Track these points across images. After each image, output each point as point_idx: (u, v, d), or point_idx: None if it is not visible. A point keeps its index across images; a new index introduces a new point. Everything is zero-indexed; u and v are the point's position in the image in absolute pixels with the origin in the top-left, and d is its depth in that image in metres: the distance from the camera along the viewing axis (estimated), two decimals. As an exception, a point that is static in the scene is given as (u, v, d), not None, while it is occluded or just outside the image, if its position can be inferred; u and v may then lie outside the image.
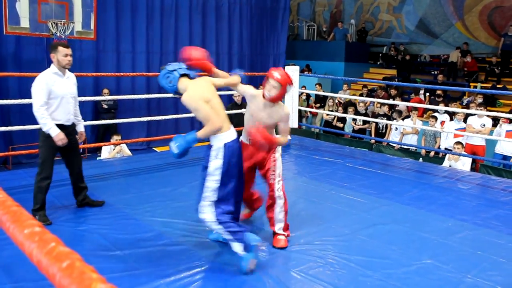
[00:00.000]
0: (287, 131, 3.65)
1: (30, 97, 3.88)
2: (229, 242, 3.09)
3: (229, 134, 3.13)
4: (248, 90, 3.56)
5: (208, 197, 3.08)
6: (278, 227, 3.56)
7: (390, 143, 8.62)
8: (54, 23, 8.09)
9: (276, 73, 3.39)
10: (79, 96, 4.30)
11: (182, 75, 3.22)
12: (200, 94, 3.08)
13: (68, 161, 4.13)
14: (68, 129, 3.97)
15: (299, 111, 8.26)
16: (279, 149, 3.69)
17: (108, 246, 3.43)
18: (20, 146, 8.08)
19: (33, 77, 3.89)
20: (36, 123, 3.92)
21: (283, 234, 3.57)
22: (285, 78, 3.39)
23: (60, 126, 3.87)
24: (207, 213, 3.07)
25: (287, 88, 3.44)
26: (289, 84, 3.44)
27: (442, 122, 8.20)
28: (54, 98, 3.82)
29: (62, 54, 3.84)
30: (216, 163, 3.08)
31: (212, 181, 3.08)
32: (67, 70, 3.96)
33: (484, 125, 7.62)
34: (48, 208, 4.00)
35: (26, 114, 8.40)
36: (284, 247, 3.51)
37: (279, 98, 3.45)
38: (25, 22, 8.02)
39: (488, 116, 7.70)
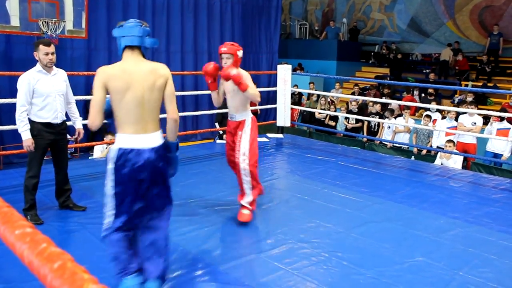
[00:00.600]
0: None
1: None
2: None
3: (130, 138, 2.54)
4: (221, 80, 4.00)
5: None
6: (245, 200, 3.92)
7: (382, 142, 8.65)
8: (45, 22, 8.03)
9: (223, 48, 3.88)
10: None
11: (130, 48, 2.65)
12: (107, 73, 2.55)
13: (56, 160, 4.09)
14: (56, 128, 3.94)
15: (307, 113, 8.25)
16: (246, 129, 3.93)
17: (101, 246, 3.42)
18: (11, 146, 8.02)
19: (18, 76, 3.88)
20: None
21: (248, 208, 3.93)
22: (231, 47, 3.88)
23: (47, 124, 3.86)
24: None
25: (238, 54, 3.88)
26: (238, 51, 3.88)
27: (434, 121, 8.24)
28: (39, 97, 3.79)
29: (43, 53, 3.79)
30: (108, 169, 2.55)
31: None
32: (54, 67, 3.92)
33: (475, 123, 7.67)
34: (40, 207, 3.98)
35: (17, 113, 8.37)
36: (248, 221, 3.90)
37: (236, 65, 3.87)
38: (15, 21, 7.95)
39: (479, 114, 7.76)
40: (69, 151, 9.47)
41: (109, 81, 2.50)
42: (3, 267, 3.04)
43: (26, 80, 3.76)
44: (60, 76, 4.01)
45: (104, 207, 2.61)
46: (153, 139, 2.57)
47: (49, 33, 8.07)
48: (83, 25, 8.80)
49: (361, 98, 10.26)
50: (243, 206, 3.95)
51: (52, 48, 3.85)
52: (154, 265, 2.63)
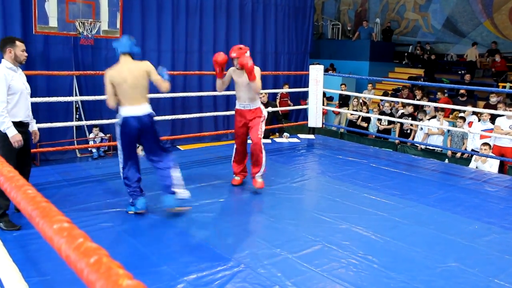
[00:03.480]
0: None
1: (57, 95, 3.94)
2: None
3: (129, 109, 3.86)
4: (229, 73, 4.93)
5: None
6: (261, 171, 4.79)
7: (414, 144, 8.50)
8: (81, 22, 8.23)
9: (233, 53, 4.68)
10: (101, 94, 4.35)
11: (123, 54, 3.95)
12: (110, 74, 3.89)
13: (19, 161, 3.75)
14: (26, 127, 3.88)
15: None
16: (262, 115, 4.87)
17: (132, 243, 3.48)
18: (48, 143, 8.25)
19: (61, 76, 3.96)
20: (62, 120, 3.99)
21: (261, 177, 4.79)
22: (239, 51, 4.66)
23: (19, 123, 3.73)
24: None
25: (246, 55, 4.63)
26: (245, 53, 4.65)
27: (470, 123, 8.04)
28: (14, 94, 3.67)
29: (21, 49, 3.72)
30: (117, 130, 3.94)
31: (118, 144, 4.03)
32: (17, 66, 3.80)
33: (512, 126, 7.44)
34: (79, 204, 4.06)
35: (53, 112, 8.61)
36: (261, 188, 4.72)
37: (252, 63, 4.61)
38: (53, 22, 8.18)
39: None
40: (102, 149, 9.72)
41: (112, 78, 3.87)
42: (39, 260, 3.13)
43: (3, 76, 3.61)
44: (23, 75, 3.91)
45: (119, 157, 4.01)
46: (143, 109, 3.89)
47: (85, 34, 8.27)
48: (118, 26, 8.98)
49: (393, 99, 10.11)
50: (258, 176, 4.79)
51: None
52: (163, 186, 3.99)
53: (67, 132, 9.36)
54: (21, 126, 3.73)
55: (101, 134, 9.75)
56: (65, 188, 4.71)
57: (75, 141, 9.49)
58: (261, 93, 7.78)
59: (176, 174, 4.02)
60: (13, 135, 3.61)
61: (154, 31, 10.50)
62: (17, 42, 3.73)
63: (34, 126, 4.13)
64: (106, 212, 4.11)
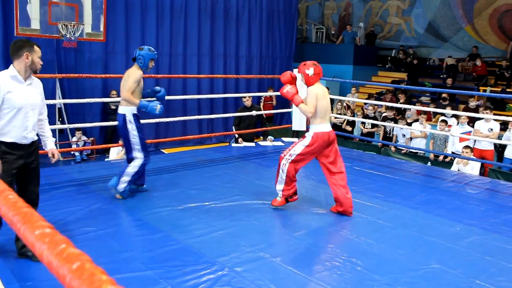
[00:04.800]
0: (306, 101, 4.40)
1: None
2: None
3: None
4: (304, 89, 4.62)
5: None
6: (278, 188, 4.45)
7: (398, 147, 8.59)
8: (64, 25, 8.15)
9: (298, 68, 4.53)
10: (88, 97, 4.28)
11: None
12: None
13: (20, 187, 3.22)
14: (25, 149, 3.16)
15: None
16: (306, 140, 4.35)
17: (115, 247, 3.45)
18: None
19: (43, 78, 3.72)
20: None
21: (281, 197, 4.48)
22: (301, 67, 4.41)
23: (11, 145, 3.09)
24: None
25: (308, 72, 4.37)
26: (306, 69, 4.36)
27: (449, 126, 8.16)
28: (9, 109, 3.04)
29: (38, 55, 3.15)
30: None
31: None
32: (31, 75, 3.21)
33: (491, 129, 7.57)
34: (62, 208, 4.01)
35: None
36: (278, 206, 4.47)
37: (308, 82, 4.43)
38: (35, 24, 8.09)
39: (496, 120, 7.66)
40: (85, 153, 9.62)
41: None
42: (22, 266, 3.09)
43: None
44: (37, 86, 3.28)
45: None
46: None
47: (68, 36, 8.19)
48: (101, 28, 8.92)
49: (377, 103, 10.20)
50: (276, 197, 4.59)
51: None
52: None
53: (49, 136, 9.24)
54: (14, 148, 3.09)
55: (84, 138, 9.66)
56: (47, 192, 4.65)
57: (58, 145, 9.38)
58: (245, 97, 7.81)
59: (128, 170, 4.53)
60: None
61: (138, 34, 10.45)
62: (35, 47, 3.13)
63: (49, 145, 3.44)
64: (89, 217, 4.07)
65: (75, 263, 0.87)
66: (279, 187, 4.45)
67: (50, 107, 9.00)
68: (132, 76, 4.46)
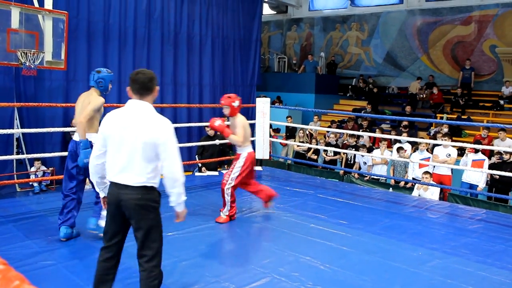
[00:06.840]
0: (235, 132, 5.05)
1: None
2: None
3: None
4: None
5: None
6: (224, 210, 4.96)
7: (360, 174, 8.72)
8: (24, 52, 7.99)
9: (222, 100, 5.04)
10: (48, 126, 4.18)
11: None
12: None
13: None
14: None
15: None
16: (240, 161, 5.04)
17: (76, 282, 3.33)
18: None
19: (1, 107, 3.69)
20: (1, 153, 3.70)
21: (226, 215, 4.96)
22: (226, 100, 5.00)
23: None
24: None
25: (234, 104, 5.01)
26: (233, 102, 4.99)
27: (404, 151, 8.37)
28: None
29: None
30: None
31: None
32: None
33: (449, 155, 7.81)
34: (18, 242, 3.86)
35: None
36: (222, 222, 4.88)
37: (233, 113, 5.04)
38: (-7, 51, 7.89)
39: (453, 146, 7.91)
40: (44, 183, 9.33)
41: None
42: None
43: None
44: None
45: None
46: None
47: (27, 64, 8.02)
48: (62, 56, 8.77)
49: (338, 131, 10.39)
50: (221, 214, 5.05)
51: None
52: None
53: (7, 166, 8.93)
54: None
55: (43, 168, 9.37)
56: (2, 225, 4.46)
57: (15, 175, 9.07)
58: (208, 128, 7.84)
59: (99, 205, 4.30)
60: None
61: (100, 63, 10.33)
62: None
63: None
64: (48, 250, 3.92)
65: (30, 300, 0.83)
66: (226, 211, 4.98)
67: (8, 137, 8.75)
68: (93, 103, 4.17)
